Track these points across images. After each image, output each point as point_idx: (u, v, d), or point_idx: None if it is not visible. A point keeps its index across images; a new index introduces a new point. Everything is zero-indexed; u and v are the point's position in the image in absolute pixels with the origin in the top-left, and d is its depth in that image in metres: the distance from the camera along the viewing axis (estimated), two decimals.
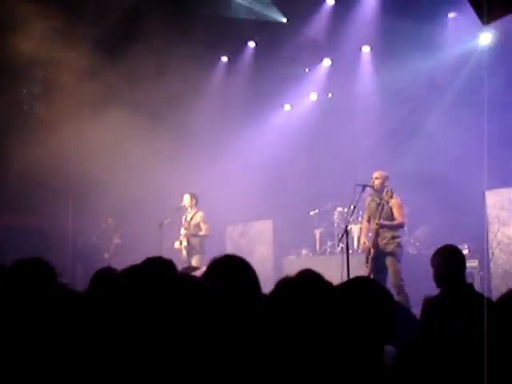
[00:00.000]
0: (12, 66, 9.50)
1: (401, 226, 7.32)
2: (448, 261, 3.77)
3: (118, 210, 11.33)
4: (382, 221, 7.15)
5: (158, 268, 2.40)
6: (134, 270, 2.40)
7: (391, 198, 7.15)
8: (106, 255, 11.15)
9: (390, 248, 7.14)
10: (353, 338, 1.92)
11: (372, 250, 7.15)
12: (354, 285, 2.13)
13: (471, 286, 3.84)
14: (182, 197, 9.32)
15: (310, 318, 1.97)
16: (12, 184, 10.30)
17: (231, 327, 2.07)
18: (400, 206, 7.28)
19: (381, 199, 7.20)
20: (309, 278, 2.13)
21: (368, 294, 2.01)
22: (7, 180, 10.30)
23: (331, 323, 1.96)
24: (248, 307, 2.14)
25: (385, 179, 7.35)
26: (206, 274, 2.20)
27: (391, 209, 7.24)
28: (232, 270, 2.26)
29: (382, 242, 7.18)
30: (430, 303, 3.87)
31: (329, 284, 2.20)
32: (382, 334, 1.96)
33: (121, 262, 3.47)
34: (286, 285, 2.07)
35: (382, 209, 7.20)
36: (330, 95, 12.13)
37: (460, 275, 3.78)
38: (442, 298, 3.81)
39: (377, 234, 7.17)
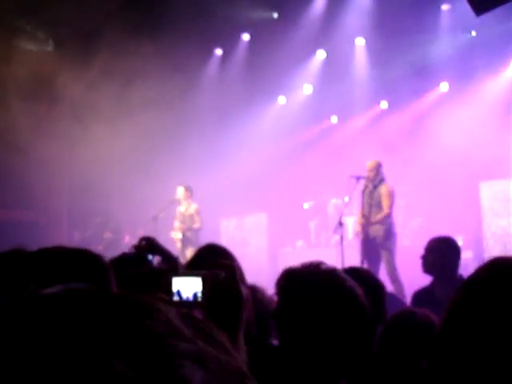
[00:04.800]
0: None
1: (386, 218, 7.21)
2: (446, 250, 3.78)
3: (111, 203, 11.33)
4: (369, 215, 7.23)
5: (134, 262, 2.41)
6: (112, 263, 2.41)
7: (382, 185, 7.18)
8: (100, 247, 11.14)
9: (380, 235, 7.10)
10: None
11: (362, 238, 7.17)
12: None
13: (462, 277, 3.84)
14: (176, 190, 9.32)
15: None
16: (7, 179, 10.26)
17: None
18: (390, 196, 7.20)
19: (373, 188, 7.23)
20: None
21: (359, 282, 2.02)
22: (2, 175, 10.26)
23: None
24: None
25: (378, 168, 7.32)
26: (187, 265, 2.20)
27: (381, 197, 7.21)
28: (211, 258, 2.25)
29: (372, 229, 7.18)
30: (420, 295, 3.86)
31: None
32: (372, 323, 1.96)
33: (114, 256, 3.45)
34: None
35: (372, 197, 7.20)
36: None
37: (455, 267, 3.80)
38: (434, 289, 3.79)
39: (366, 222, 7.21)
